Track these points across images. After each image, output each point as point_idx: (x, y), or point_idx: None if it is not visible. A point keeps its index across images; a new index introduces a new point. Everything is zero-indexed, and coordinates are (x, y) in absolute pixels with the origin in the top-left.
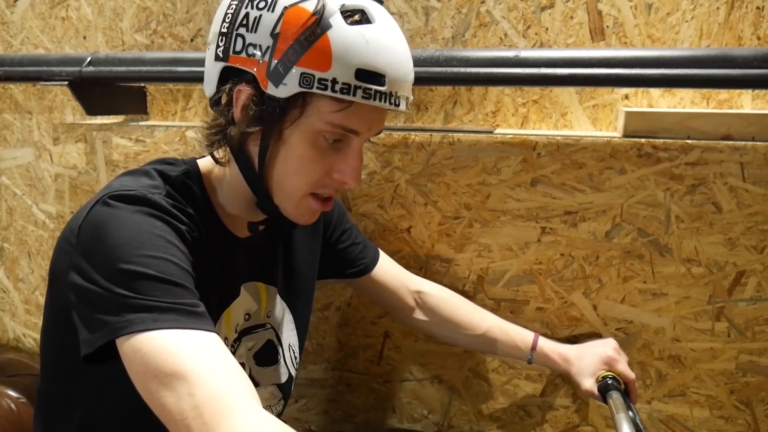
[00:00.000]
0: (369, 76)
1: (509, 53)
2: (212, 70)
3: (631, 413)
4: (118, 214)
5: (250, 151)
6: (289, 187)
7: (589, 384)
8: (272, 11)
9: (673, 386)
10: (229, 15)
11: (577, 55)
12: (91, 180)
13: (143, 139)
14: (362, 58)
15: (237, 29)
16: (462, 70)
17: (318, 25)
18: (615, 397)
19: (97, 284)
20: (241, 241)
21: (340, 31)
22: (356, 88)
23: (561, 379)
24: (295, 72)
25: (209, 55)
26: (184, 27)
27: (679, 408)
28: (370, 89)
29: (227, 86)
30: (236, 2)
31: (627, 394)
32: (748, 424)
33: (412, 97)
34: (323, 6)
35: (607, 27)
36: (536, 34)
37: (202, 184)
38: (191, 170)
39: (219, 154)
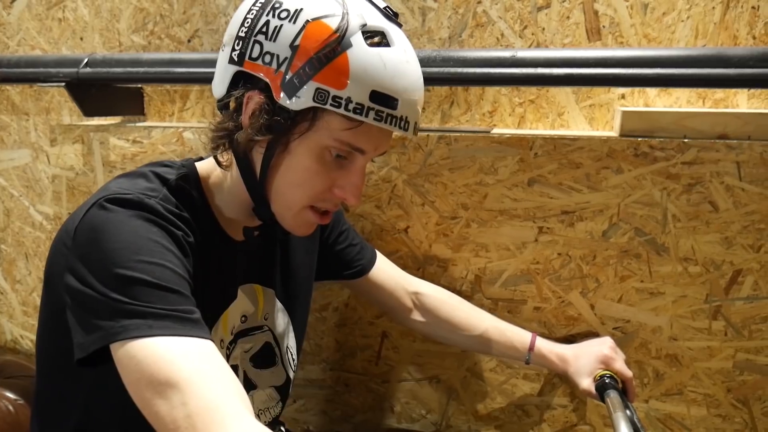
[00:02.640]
0: (383, 98)
1: (506, 53)
2: (225, 73)
3: (628, 412)
4: (114, 218)
5: (253, 158)
6: (289, 197)
7: (586, 383)
8: (294, 23)
9: (670, 385)
10: (249, 20)
11: (573, 55)
12: (89, 181)
13: (140, 140)
14: (378, 81)
15: (255, 35)
16: (459, 70)
17: (339, 43)
18: (612, 396)
19: (93, 288)
20: (238, 245)
21: (359, 51)
22: (369, 109)
23: (559, 378)
24: (311, 86)
25: (223, 56)
26: (181, 28)
27: (676, 407)
28: (383, 112)
29: (238, 91)
30: (257, 8)
31: (624, 393)
32: (745, 423)
33: (420, 123)
34: (347, 24)
35: (604, 27)
36: (533, 34)
37: (200, 187)
38: (189, 173)
39: (222, 157)
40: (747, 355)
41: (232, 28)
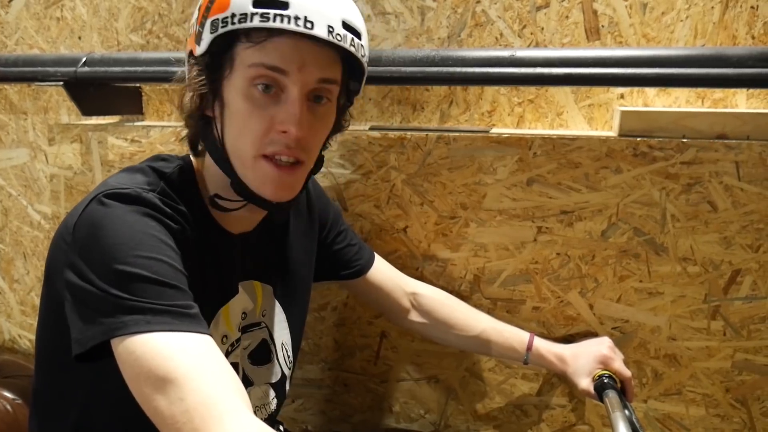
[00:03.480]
0: (268, 2)
1: (505, 53)
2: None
3: (627, 412)
4: (112, 213)
5: (213, 132)
6: (240, 152)
7: (585, 383)
8: None
9: (669, 385)
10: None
11: (572, 55)
12: (87, 180)
13: (139, 140)
14: None
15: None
16: (458, 69)
17: None
18: (611, 396)
19: (93, 284)
20: (235, 238)
21: None
22: (253, 15)
23: (557, 378)
24: (207, 24)
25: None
26: (179, 27)
27: (675, 407)
28: (268, 13)
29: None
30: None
31: (623, 392)
32: (744, 423)
33: (350, 34)
34: None
35: (603, 26)
36: (532, 33)
37: (195, 179)
38: (185, 167)
39: (195, 147)
40: (746, 355)
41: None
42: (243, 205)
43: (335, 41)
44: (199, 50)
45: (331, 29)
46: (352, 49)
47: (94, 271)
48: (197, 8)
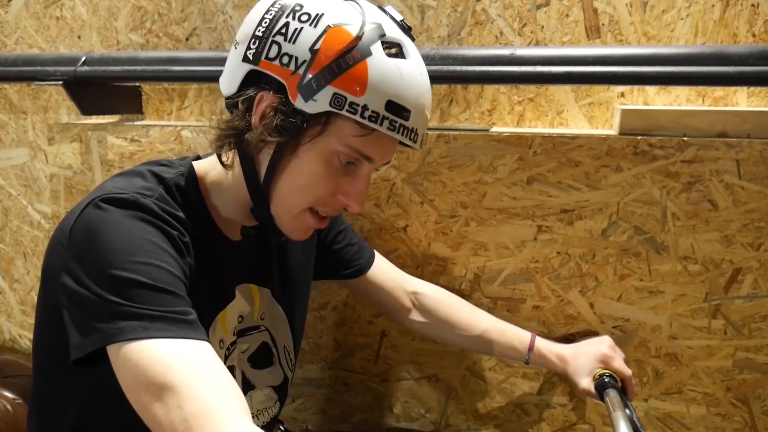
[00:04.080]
0: (398, 109)
1: (505, 51)
2: (237, 70)
3: (627, 411)
4: (109, 218)
5: (259, 159)
6: (291, 200)
7: (586, 383)
8: (315, 27)
9: (670, 384)
10: (267, 20)
11: (572, 53)
12: (87, 180)
13: (138, 139)
14: (395, 91)
15: (274, 36)
16: (458, 68)
17: (359, 50)
18: (612, 395)
19: (89, 289)
20: (234, 244)
21: (378, 60)
22: (384, 118)
23: (558, 377)
24: (328, 91)
25: (236, 54)
26: (179, 26)
27: (676, 405)
28: (396, 122)
29: (251, 90)
30: (276, 9)
31: (624, 391)
32: (745, 422)
33: (425, 135)
34: (366, 33)
35: (603, 25)
36: (532, 32)
37: (197, 186)
38: (186, 172)
39: (226, 156)
40: (746, 353)
41: (248, 26)
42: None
43: (416, 147)
44: (304, 107)
45: (422, 138)
46: (418, 147)
47: (90, 277)
48: (309, 47)
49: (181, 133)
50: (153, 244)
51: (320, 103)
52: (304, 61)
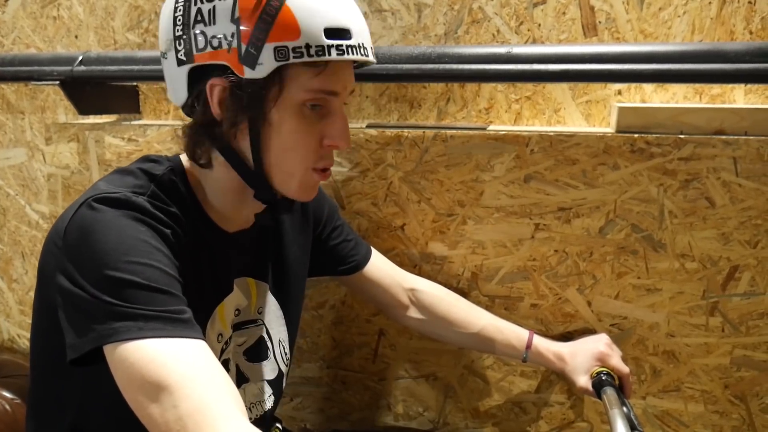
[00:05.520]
0: (337, 33)
1: (501, 50)
2: (178, 77)
3: (625, 409)
4: (102, 218)
5: (239, 146)
6: (288, 166)
7: (583, 381)
8: None
9: (667, 381)
10: (179, 18)
11: (569, 51)
12: (84, 180)
13: (136, 139)
14: (326, 17)
15: (193, 28)
16: (455, 66)
17: None
18: (609, 393)
19: (84, 290)
20: (230, 236)
21: None
22: (329, 47)
23: (556, 375)
24: (268, 48)
25: (169, 64)
26: None
27: (673, 403)
28: (342, 45)
29: (199, 87)
30: (182, 4)
31: (621, 389)
32: (742, 419)
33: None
34: None
35: (600, 22)
36: (529, 30)
37: (187, 180)
38: (176, 167)
39: (202, 157)
40: (744, 351)
41: (165, 32)
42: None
43: (372, 59)
44: (254, 75)
45: (371, 49)
46: (374, 60)
47: (85, 277)
48: (230, 19)
49: (178, 132)
50: (146, 244)
51: (267, 64)
52: (233, 33)
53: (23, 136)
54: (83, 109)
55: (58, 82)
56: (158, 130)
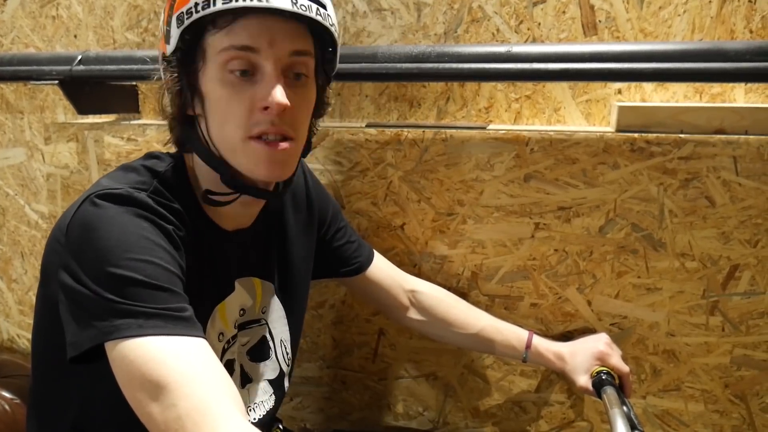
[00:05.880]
0: None
1: (501, 49)
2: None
3: (625, 408)
4: (104, 214)
5: (198, 130)
6: (228, 139)
7: (583, 380)
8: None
9: (667, 381)
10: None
11: (569, 50)
12: (83, 179)
13: (135, 138)
14: None
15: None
16: (454, 66)
17: None
18: (609, 392)
19: (86, 286)
20: (229, 234)
21: None
22: None
23: (556, 375)
24: (174, 21)
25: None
26: None
27: (674, 402)
28: None
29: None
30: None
31: (621, 388)
32: (743, 418)
33: (314, 4)
34: None
35: (600, 21)
36: (528, 29)
37: (187, 177)
38: (177, 164)
39: (184, 149)
40: (744, 350)
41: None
42: (236, 197)
43: (300, 11)
44: (169, 48)
45: (294, 1)
46: (318, 18)
47: (87, 274)
48: (163, 10)
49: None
50: (148, 240)
51: (174, 35)
52: (163, 20)
53: (22, 136)
54: (82, 109)
55: (57, 82)
56: (157, 130)
